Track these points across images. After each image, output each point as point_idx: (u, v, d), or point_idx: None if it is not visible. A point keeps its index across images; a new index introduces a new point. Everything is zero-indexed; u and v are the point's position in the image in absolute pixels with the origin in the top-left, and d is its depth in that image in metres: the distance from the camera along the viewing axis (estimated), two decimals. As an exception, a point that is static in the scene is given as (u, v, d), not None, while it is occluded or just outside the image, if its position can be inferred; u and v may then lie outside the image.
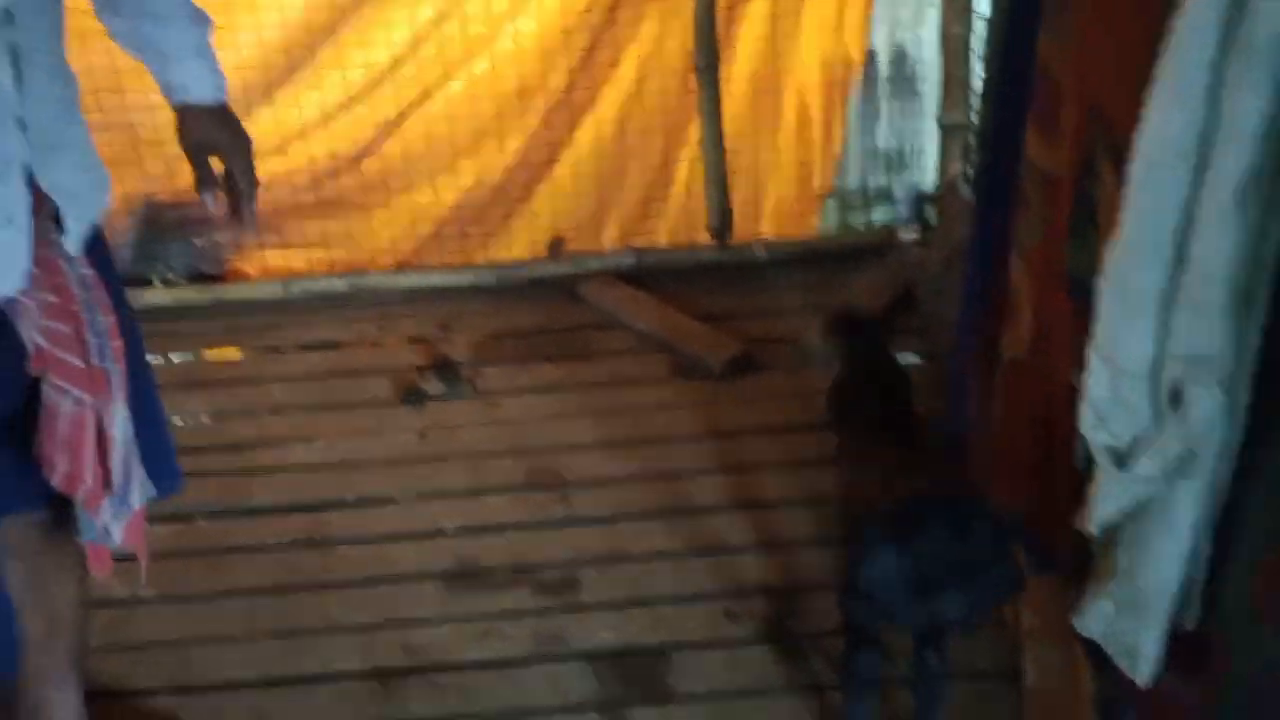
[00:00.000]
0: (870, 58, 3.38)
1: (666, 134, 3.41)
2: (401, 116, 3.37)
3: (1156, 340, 1.42)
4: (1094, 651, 1.83)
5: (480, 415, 3.00)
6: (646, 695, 2.25)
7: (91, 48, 2.76)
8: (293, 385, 3.16)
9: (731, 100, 3.31)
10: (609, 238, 3.56)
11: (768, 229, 3.55)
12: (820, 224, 3.62)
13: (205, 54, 1.79)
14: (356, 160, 3.42)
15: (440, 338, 3.28)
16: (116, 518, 1.78)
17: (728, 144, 3.31)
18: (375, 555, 2.60)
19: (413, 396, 3.07)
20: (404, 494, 2.76)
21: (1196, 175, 1.31)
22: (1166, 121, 1.31)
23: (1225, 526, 1.53)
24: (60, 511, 1.86)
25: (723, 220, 3.38)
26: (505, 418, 2.99)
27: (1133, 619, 1.66)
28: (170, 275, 3.53)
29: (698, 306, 3.27)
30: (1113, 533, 1.64)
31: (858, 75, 3.43)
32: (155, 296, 3.47)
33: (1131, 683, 1.72)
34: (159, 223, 3.51)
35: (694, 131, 3.34)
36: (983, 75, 2.71)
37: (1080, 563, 1.77)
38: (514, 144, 3.42)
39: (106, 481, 1.74)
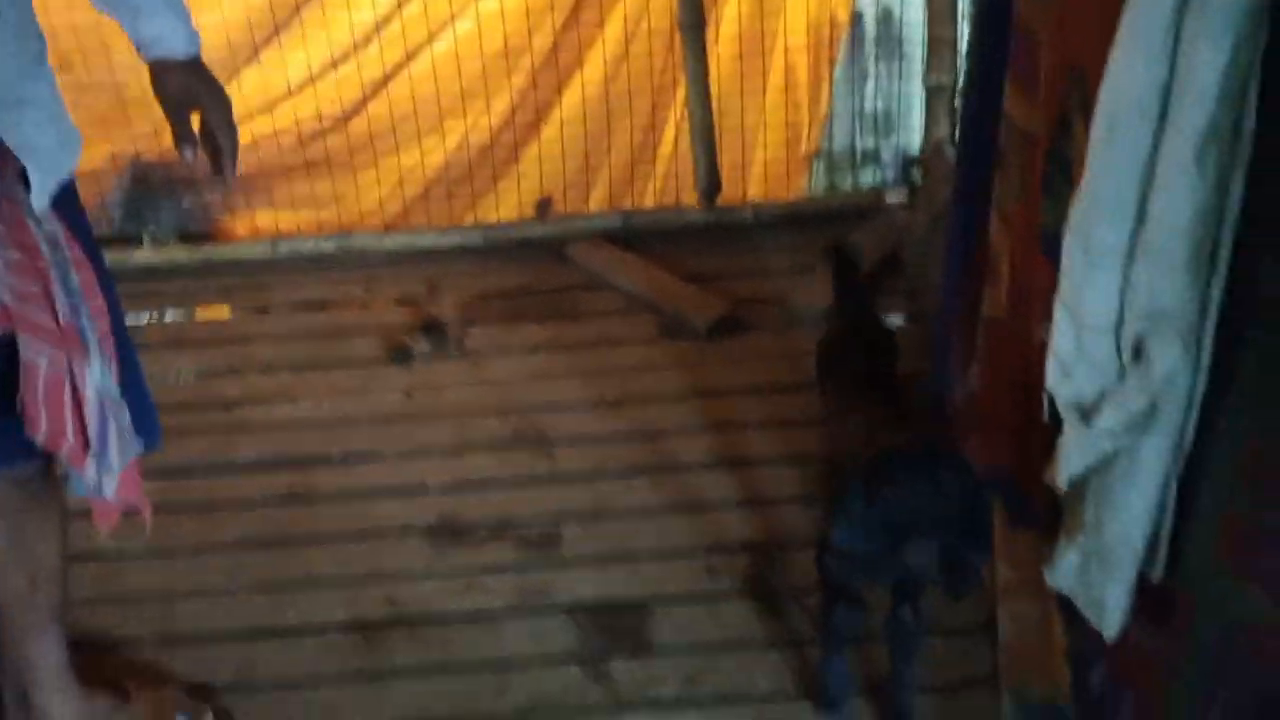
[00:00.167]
0: (857, 19, 3.38)
1: (653, 95, 3.41)
2: (387, 77, 3.37)
3: (1119, 295, 1.44)
4: (1066, 606, 1.86)
5: (466, 375, 3.02)
6: (626, 648, 2.28)
7: (76, 5, 2.78)
8: (280, 344, 3.18)
9: (718, 61, 3.31)
10: (597, 199, 3.56)
11: (755, 190, 3.56)
12: (808, 186, 3.62)
13: (177, 7, 1.78)
14: (343, 121, 3.42)
15: (427, 298, 3.29)
16: (104, 473, 1.80)
17: (714, 105, 3.31)
18: (360, 511, 2.62)
19: (400, 356, 3.09)
20: (389, 451, 2.79)
21: (1157, 131, 1.33)
22: (1128, 77, 1.33)
23: (1190, 480, 1.55)
24: (42, 468, 1.88)
25: (710, 182, 3.38)
26: (491, 377, 3.01)
27: (1100, 572, 1.68)
28: (159, 234, 3.53)
29: (685, 267, 3.28)
30: (1081, 487, 1.67)
31: (844, 36, 3.43)
32: (144, 256, 3.47)
33: (1101, 636, 1.75)
34: (147, 182, 3.51)
35: (681, 93, 3.34)
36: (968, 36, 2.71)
37: (1055, 519, 1.80)
38: (500, 105, 3.42)
39: (85, 439, 1.75)
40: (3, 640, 2.00)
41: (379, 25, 3.32)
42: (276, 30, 3.31)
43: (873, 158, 3.52)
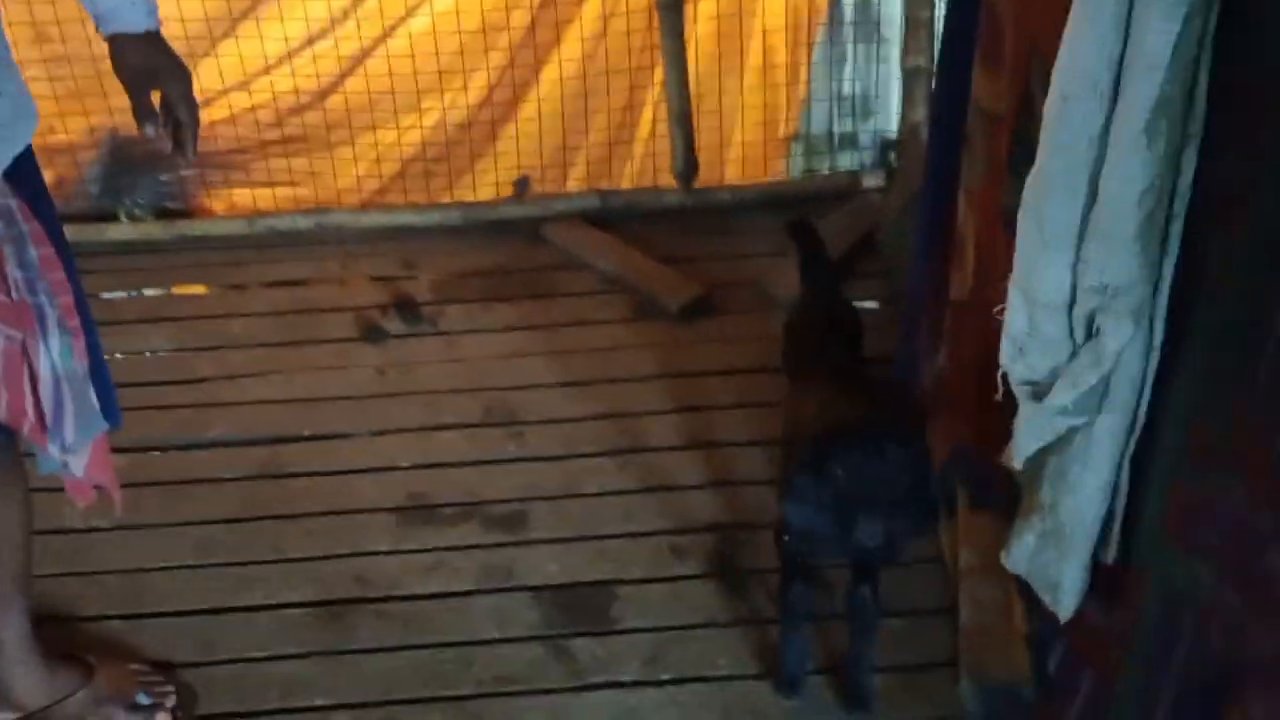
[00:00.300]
0: (834, 1, 3.37)
1: (632, 76, 3.40)
2: (365, 53, 3.36)
3: (1071, 272, 1.44)
4: (1027, 590, 1.86)
5: (440, 353, 3.02)
6: (589, 627, 2.28)
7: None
8: (256, 321, 3.17)
9: (696, 42, 3.30)
10: (574, 179, 3.55)
11: (733, 173, 3.55)
12: (786, 169, 3.61)
13: None
14: (320, 97, 3.40)
15: (404, 276, 3.28)
16: (68, 451, 1.79)
17: (692, 87, 3.30)
18: (330, 489, 2.62)
19: (374, 334, 3.08)
20: (361, 429, 2.78)
21: (1110, 106, 1.33)
22: (1080, 52, 1.32)
23: (1142, 459, 1.55)
24: (4, 442, 1.87)
25: (687, 163, 3.37)
26: (464, 356, 3.00)
27: (1054, 552, 1.69)
28: (136, 210, 3.52)
29: (661, 249, 3.28)
30: (1037, 469, 1.67)
31: (823, 18, 3.42)
32: (120, 231, 3.47)
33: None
34: (124, 157, 3.50)
35: (659, 74, 3.33)
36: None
37: (1016, 503, 1.80)
38: (478, 83, 3.41)
39: (43, 418, 1.74)
40: None
41: (356, 1, 3.30)
42: (253, 5, 3.29)
43: (851, 141, 3.51)
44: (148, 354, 3.07)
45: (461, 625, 2.30)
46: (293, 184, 3.53)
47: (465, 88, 3.43)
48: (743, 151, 3.50)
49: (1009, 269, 1.83)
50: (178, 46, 3.35)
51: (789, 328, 2.41)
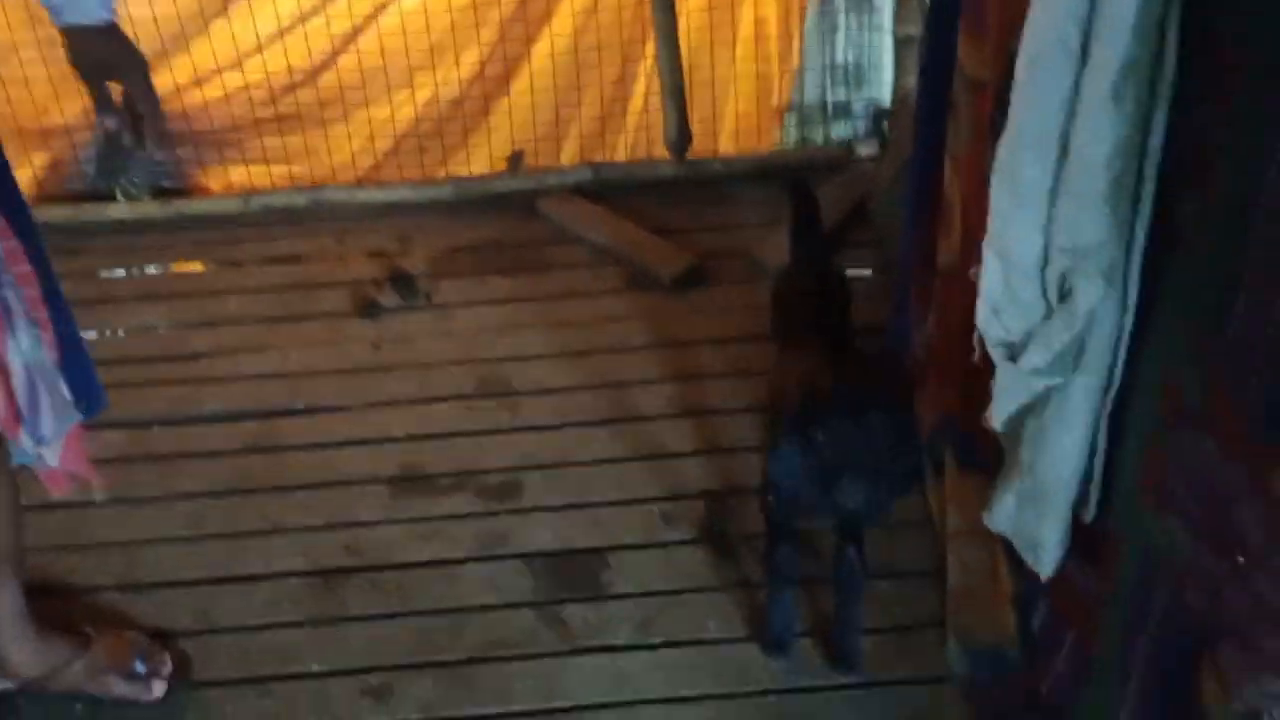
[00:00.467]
0: (826, -31, 3.38)
1: (623, 48, 3.40)
2: (356, 30, 3.36)
3: (1044, 233, 1.44)
4: (1012, 550, 1.88)
5: (434, 327, 3.04)
6: (581, 594, 2.31)
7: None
8: (251, 297, 3.19)
9: (687, 14, 3.30)
10: (568, 153, 3.56)
11: (727, 144, 3.56)
12: (781, 139, 3.62)
13: None
14: (313, 74, 3.41)
15: (398, 251, 3.30)
16: (42, 444, 1.79)
17: (684, 59, 3.31)
18: (324, 461, 2.64)
19: (369, 309, 3.10)
20: (355, 402, 2.80)
21: (1079, 66, 1.33)
22: (1050, 12, 1.33)
23: (1119, 419, 1.57)
24: None
25: (680, 135, 3.38)
26: (458, 329, 3.02)
27: (1034, 512, 1.70)
28: (132, 190, 3.54)
29: (654, 221, 3.29)
30: (1016, 429, 1.68)
31: (814, -13, 3.42)
32: (117, 211, 3.48)
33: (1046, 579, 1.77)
34: (120, 137, 3.50)
35: (651, 46, 3.33)
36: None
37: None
38: (469, 58, 3.42)
39: (15, 410, 1.74)
40: None
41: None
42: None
43: (844, 110, 3.52)
44: (146, 331, 3.09)
45: (454, 593, 2.32)
46: (287, 162, 3.54)
47: (457, 63, 3.44)
48: (736, 123, 3.51)
49: (991, 233, 1.83)
50: (169, 27, 3.39)
51: (777, 294, 2.42)
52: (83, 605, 2.32)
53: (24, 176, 3.49)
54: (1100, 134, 1.32)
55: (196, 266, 3.38)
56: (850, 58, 3.45)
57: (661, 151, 3.45)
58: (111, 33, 1.75)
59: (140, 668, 2.13)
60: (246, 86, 3.45)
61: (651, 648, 2.20)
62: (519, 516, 2.48)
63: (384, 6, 3.35)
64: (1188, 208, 1.37)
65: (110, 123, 1.76)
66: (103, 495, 1.99)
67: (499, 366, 2.88)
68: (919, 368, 2.55)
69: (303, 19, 3.36)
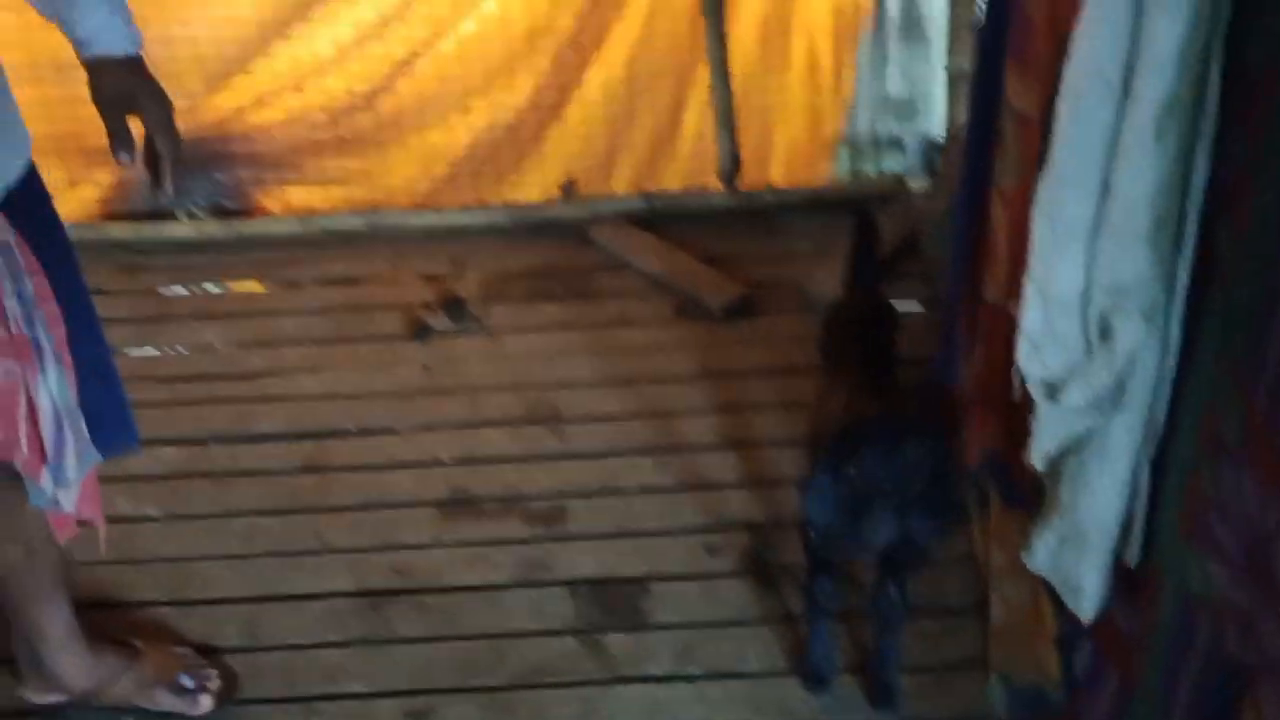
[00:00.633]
0: (879, 1, 3.37)
1: (676, 77, 3.42)
2: (414, 55, 3.41)
3: (1085, 271, 1.44)
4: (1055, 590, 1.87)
5: (485, 351, 3.07)
6: (623, 623, 2.32)
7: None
8: (307, 318, 3.24)
9: (740, 44, 3.32)
10: (620, 182, 3.59)
11: (778, 174, 3.57)
12: (833, 171, 3.62)
13: (117, 4, 1.71)
14: (372, 98, 3.46)
15: (451, 275, 3.34)
16: (60, 486, 1.78)
17: (736, 88, 3.32)
18: (373, 482, 2.67)
19: (421, 332, 3.14)
20: (405, 425, 2.84)
21: (1120, 104, 1.33)
22: (1092, 49, 1.34)
23: (1161, 458, 1.55)
24: None
25: (731, 165, 3.40)
26: (508, 354, 3.05)
27: (1074, 553, 1.69)
28: (194, 210, 3.61)
29: (705, 250, 3.31)
30: (1057, 468, 1.67)
31: (867, 19, 3.42)
32: (179, 230, 3.55)
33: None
34: (181, 158, 3.57)
35: (703, 75, 3.36)
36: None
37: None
38: (525, 85, 3.45)
39: (41, 451, 1.73)
40: (10, 606, 2.06)
41: (404, 3, 3.36)
42: (306, 7, 3.36)
43: (895, 143, 3.51)
44: (204, 349, 3.14)
45: (497, 618, 2.34)
46: (345, 184, 3.60)
47: (513, 90, 3.47)
48: (788, 153, 3.52)
49: (1035, 268, 1.83)
50: (230, 50, 3.45)
51: (826, 323, 2.43)
52: (133, 619, 2.36)
53: (89, 195, 3.57)
54: (1142, 172, 1.32)
55: (255, 286, 3.43)
56: (902, 90, 3.45)
57: (713, 181, 3.47)
58: (136, 66, 1.72)
59: (188, 682, 2.17)
60: (306, 110, 3.50)
61: (691, 678, 2.21)
62: (563, 543, 2.50)
63: (442, 33, 3.39)
64: (1223, 238, 1.37)
65: (125, 159, 1.68)
66: (106, 544, 1.96)
67: (547, 393, 2.90)
68: (965, 402, 2.55)
69: (362, 43, 3.41)
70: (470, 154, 3.55)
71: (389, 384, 2.98)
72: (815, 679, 2.13)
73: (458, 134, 3.53)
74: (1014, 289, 2.10)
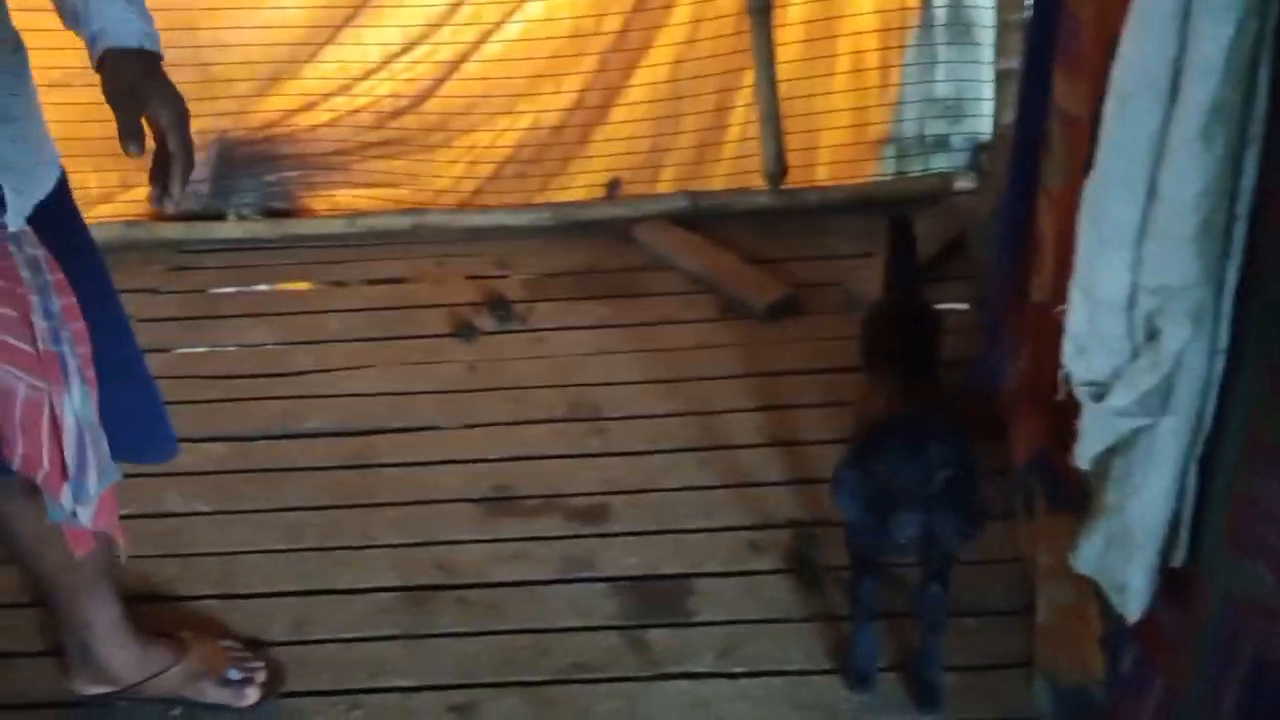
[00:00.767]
0: (926, 2, 3.36)
1: (721, 78, 3.43)
2: (460, 58, 3.44)
3: (1131, 272, 1.44)
4: (1102, 591, 1.86)
5: (529, 350, 3.09)
6: (665, 619, 2.33)
7: (161, -15, 2.88)
8: (353, 317, 3.27)
9: (785, 45, 3.32)
10: (665, 181, 3.60)
11: (824, 175, 3.56)
12: (878, 171, 3.61)
13: (135, 3, 1.62)
14: (419, 100, 3.49)
15: (497, 275, 3.36)
16: (79, 502, 1.77)
17: (782, 89, 3.33)
18: (417, 479, 2.70)
19: (465, 331, 3.16)
20: (449, 422, 2.86)
21: (1167, 106, 1.33)
22: (1138, 52, 1.33)
23: (1209, 461, 1.54)
24: None
25: (777, 165, 3.40)
26: (552, 353, 3.06)
27: (1121, 555, 1.68)
28: (244, 210, 3.65)
29: (749, 250, 3.31)
30: (1104, 469, 1.67)
31: (914, 20, 3.41)
32: (228, 230, 3.60)
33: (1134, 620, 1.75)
34: (232, 159, 3.62)
35: (749, 76, 3.36)
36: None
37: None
38: (571, 86, 3.47)
39: (62, 467, 1.73)
40: (59, 601, 2.10)
41: (452, 7, 3.39)
42: (354, 12, 3.39)
43: (942, 144, 3.50)
44: (252, 347, 3.18)
45: (540, 613, 2.36)
46: (392, 185, 3.63)
47: (558, 91, 3.49)
48: (833, 153, 3.52)
49: (1081, 269, 1.82)
50: (279, 53, 3.49)
51: (866, 324, 2.43)
52: (181, 613, 2.39)
53: (141, 195, 3.62)
54: (1189, 175, 1.32)
55: (302, 285, 3.47)
56: (950, 90, 3.44)
57: (758, 181, 3.47)
58: (150, 64, 1.62)
59: (235, 675, 2.20)
60: (354, 112, 3.54)
61: (733, 676, 2.21)
62: (606, 540, 2.51)
63: (489, 35, 3.42)
64: (1269, 241, 1.36)
65: (134, 150, 1.55)
66: (125, 554, 1.93)
67: (591, 391, 2.92)
68: (1011, 403, 2.54)
69: (409, 47, 3.44)
70: (516, 155, 3.57)
71: (434, 382, 3.00)
72: (858, 677, 2.13)
73: (504, 135, 3.55)
74: (1061, 290, 2.10)
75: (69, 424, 1.71)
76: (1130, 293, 1.44)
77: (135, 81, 1.57)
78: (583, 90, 3.48)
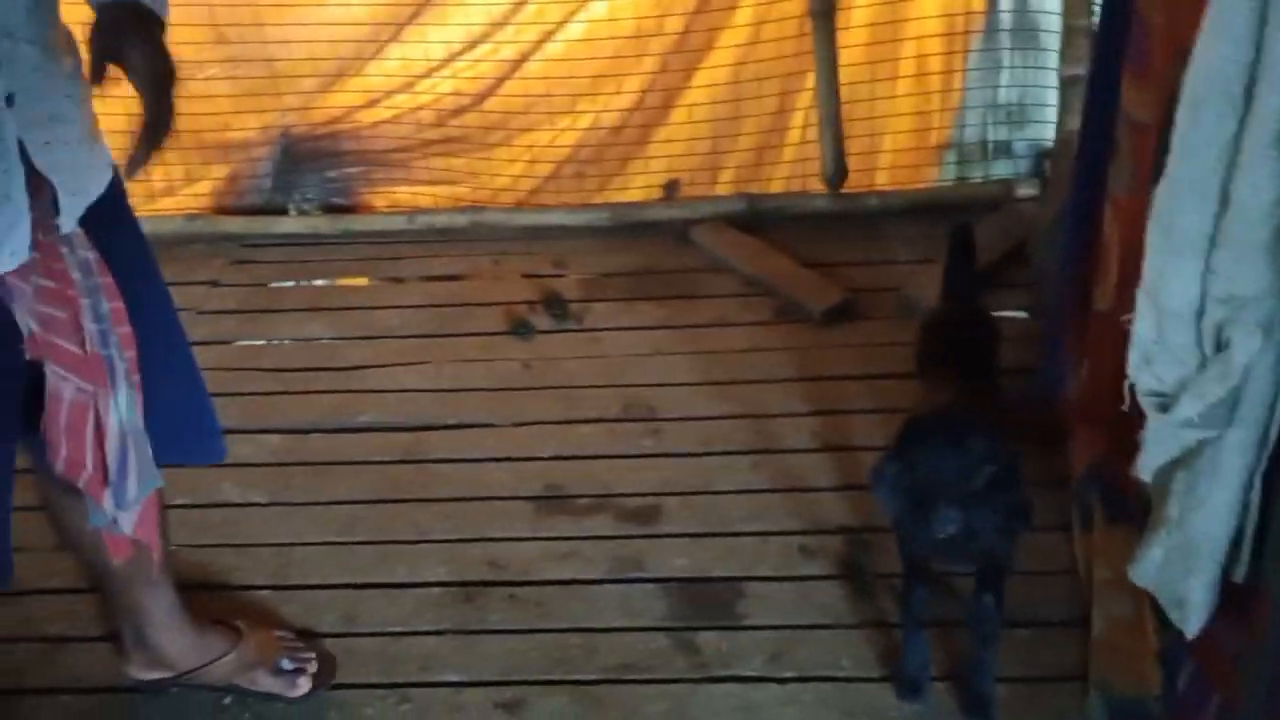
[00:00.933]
0: (992, 6, 3.33)
1: (782, 80, 3.42)
2: (522, 57, 3.45)
3: (1201, 282, 1.41)
4: (1160, 605, 1.83)
5: (583, 349, 3.09)
6: (715, 622, 2.31)
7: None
8: (411, 313, 3.29)
9: (848, 48, 3.30)
10: (723, 183, 3.59)
11: (884, 179, 3.54)
12: (939, 177, 3.59)
13: None
14: (480, 99, 3.51)
15: (553, 274, 3.37)
16: (120, 507, 1.79)
17: (844, 92, 3.31)
18: (470, 476, 2.70)
19: (521, 329, 3.17)
20: (503, 420, 2.86)
21: (1242, 114, 1.31)
22: (1213, 59, 1.31)
23: (1274, 475, 1.52)
24: None
25: (837, 169, 3.38)
26: (607, 353, 3.07)
27: (1181, 568, 1.66)
28: (304, 205, 3.69)
29: (806, 253, 3.30)
30: (1166, 482, 1.64)
31: (979, 25, 3.38)
32: (288, 224, 3.64)
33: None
34: (294, 154, 3.66)
35: (811, 79, 3.35)
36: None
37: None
38: (631, 87, 3.48)
39: (105, 471, 1.74)
40: (115, 589, 2.11)
41: (516, 6, 3.40)
42: (418, 10, 3.41)
43: (1004, 150, 3.47)
44: (309, 340, 3.21)
45: (590, 613, 2.35)
46: (451, 183, 3.65)
47: (619, 92, 3.50)
48: (894, 158, 3.49)
49: (1148, 278, 1.79)
50: (345, 49, 3.53)
51: (923, 331, 2.41)
52: (236, 602, 2.41)
53: (204, 189, 3.67)
54: (1262, 183, 1.30)
55: (360, 280, 3.50)
56: (1013, 96, 3.41)
57: (817, 185, 3.45)
58: (143, 17, 1.54)
59: (287, 665, 2.21)
60: (416, 109, 3.56)
61: (782, 681, 2.20)
62: (656, 541, 2.50)
63: (551, 34, 3.43)
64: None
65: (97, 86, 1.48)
66: (160, 564, 1.99)
67: (644, 391, 2.91)
68: (1070, 413, 2.51)
69: (472, 46, 3.46)
70: (575, 155, 3.58)
71: (488, 379, 3.01)
72: (909, 686, 2.11)
73: (564, 135, 3.56)
74: (1125, 299, 2.07)
75: (113, 428, 1.72)
76: (1199, 302, 1.42)
77: (120, 32, 1.50)
78: (643, 90, 3.48)
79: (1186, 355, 1.47)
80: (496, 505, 2.63)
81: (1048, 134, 3.35)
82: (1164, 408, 1.51)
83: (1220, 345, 1.43)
